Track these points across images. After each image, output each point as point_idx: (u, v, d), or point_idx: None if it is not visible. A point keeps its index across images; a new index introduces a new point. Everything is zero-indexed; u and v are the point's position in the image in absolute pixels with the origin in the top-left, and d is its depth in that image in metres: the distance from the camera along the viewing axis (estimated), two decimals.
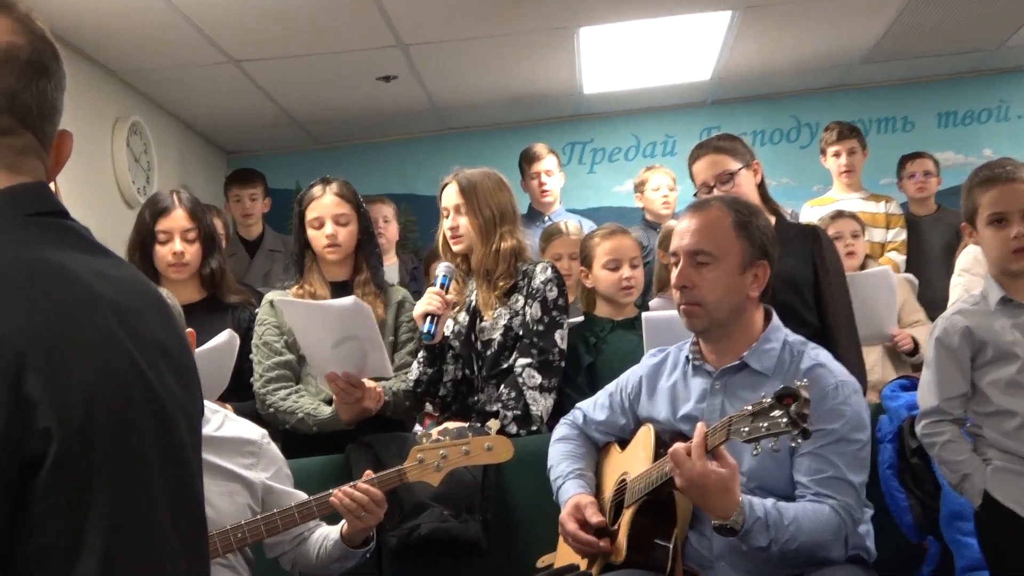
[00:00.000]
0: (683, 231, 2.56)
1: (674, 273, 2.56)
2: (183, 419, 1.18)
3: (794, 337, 2.57)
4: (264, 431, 2.82)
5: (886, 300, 4.13)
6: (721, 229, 2.52)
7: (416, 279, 5.36)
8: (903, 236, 5.34)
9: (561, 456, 2.79)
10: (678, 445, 2.28)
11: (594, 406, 2.84)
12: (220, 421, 2.74)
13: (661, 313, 3.46)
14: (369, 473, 2.74)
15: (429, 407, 3.65)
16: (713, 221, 2.53)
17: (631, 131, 7.16)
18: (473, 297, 3.42)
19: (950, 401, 2.70)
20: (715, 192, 3.36)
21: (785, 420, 2.09)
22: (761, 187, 3.45)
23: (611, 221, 4.12)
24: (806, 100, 7.05)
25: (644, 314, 3.46)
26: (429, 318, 3.25)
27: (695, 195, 3.47)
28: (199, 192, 5.83)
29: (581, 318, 3.76)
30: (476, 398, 3.35)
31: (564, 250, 4.37)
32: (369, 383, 3.29)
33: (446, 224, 3.42)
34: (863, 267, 4.61)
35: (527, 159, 5.49)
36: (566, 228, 4.53)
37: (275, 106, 6.18)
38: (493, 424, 2.74)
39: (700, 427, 2.29)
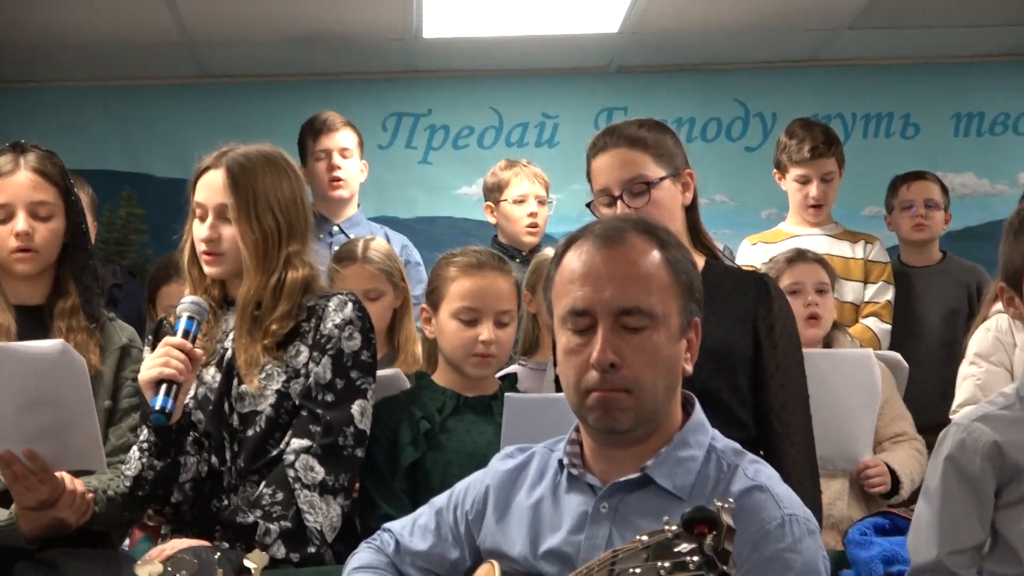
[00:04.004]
0: (599, 276, 2.51)
1: (568, 340, 2.52)
2: None
3: (724, 443, 2.62)
4: None
5: (863, 401, 4.15)
6: (656, 273, 2.52)
7: (116, 304, 5.27)
8: (888, 295, 5.51)
9: None
10: None
11: (412, 529, 2.84)
12: None
13: (532, 397, 3.45)
14: None
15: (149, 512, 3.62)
16: (643, 260, 2.53)
17: (490, 104, 7.26)
18: (230, 345, 3.42)
19: (958, 556, 2.77)
20: (618, 208, 3.39)
21: (696, 559, 2.11)
22: (691, 211, 3.49)
23: (454, 239, 4.12)
24: (759, 78, 7.25)
25: (508, 395, 3.47)
26: (164, 387, 3.20)
27: (588, 205, 3.51)
28: None
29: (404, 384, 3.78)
30: (225, 501, 3.34)
31: (358, 285, 4.35)
32: (71, 481, 3.24)
33: (200, 231, 3.41)
34: (828, 341, 4.66)
35: (312, 131, 5.61)
36: (363, 252, 4.55)
37: None
38: (256, 559, 2.70)
39: None
